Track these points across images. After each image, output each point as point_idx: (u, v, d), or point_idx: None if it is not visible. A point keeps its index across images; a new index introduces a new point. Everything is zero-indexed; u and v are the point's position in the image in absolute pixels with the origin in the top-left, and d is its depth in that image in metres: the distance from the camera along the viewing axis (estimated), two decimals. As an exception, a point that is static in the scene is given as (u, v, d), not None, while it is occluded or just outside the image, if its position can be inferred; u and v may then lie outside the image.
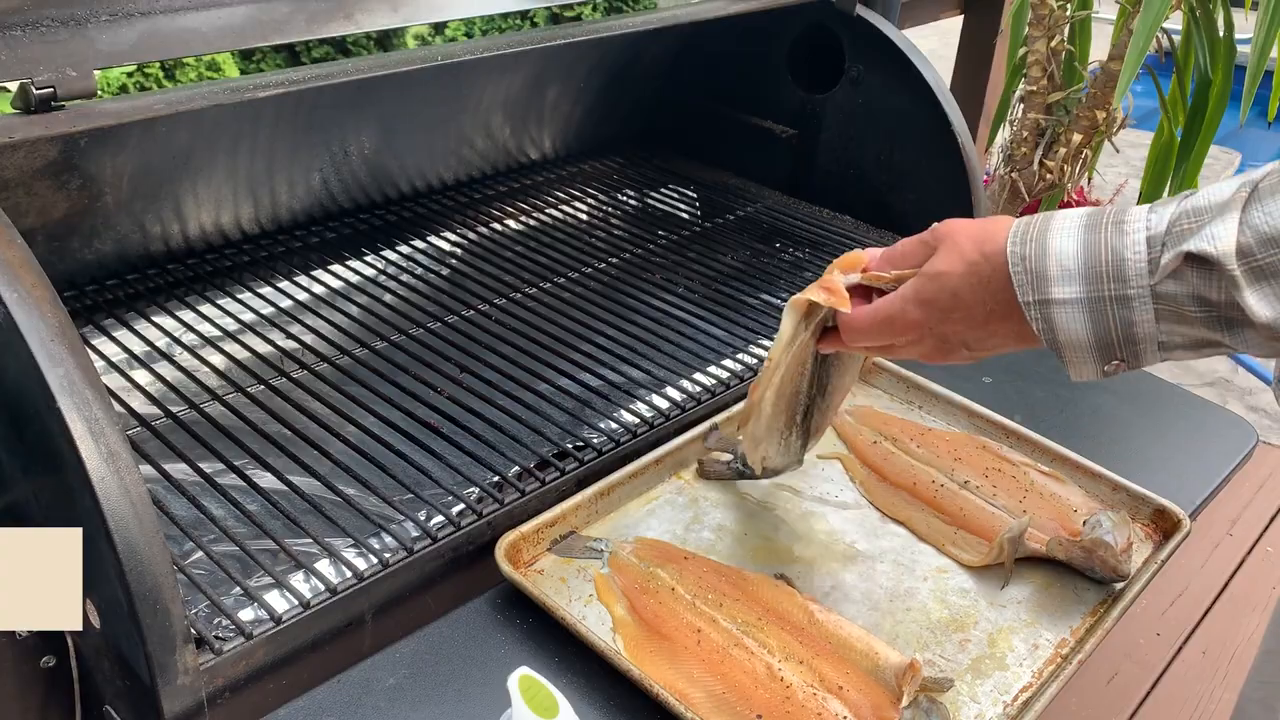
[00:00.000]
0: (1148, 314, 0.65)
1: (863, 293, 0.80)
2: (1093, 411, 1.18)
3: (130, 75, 2.02)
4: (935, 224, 0.76)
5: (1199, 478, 1.09)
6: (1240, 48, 2.27)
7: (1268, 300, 0.61)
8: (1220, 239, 0.62)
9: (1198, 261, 0.63)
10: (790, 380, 0.87)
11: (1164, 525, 0.98)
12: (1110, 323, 0.66)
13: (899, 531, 0.97)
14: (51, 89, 0.83)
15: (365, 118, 1.33)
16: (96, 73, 0.85)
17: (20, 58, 0.83)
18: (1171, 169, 2.42)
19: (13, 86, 0.84)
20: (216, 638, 0.75)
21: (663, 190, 1.65)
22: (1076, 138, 2.42)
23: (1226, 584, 1.51)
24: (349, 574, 0.83)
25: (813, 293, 0.80)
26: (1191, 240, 0.63)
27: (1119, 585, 0.91)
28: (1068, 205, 2.72)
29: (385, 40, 2.02)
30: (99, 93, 0.86)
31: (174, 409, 1.02)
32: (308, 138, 1.29)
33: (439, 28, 2.02)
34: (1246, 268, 0.61)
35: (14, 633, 0.75)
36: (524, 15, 2.11)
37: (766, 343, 1.22)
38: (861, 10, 1.44)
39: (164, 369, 1.09)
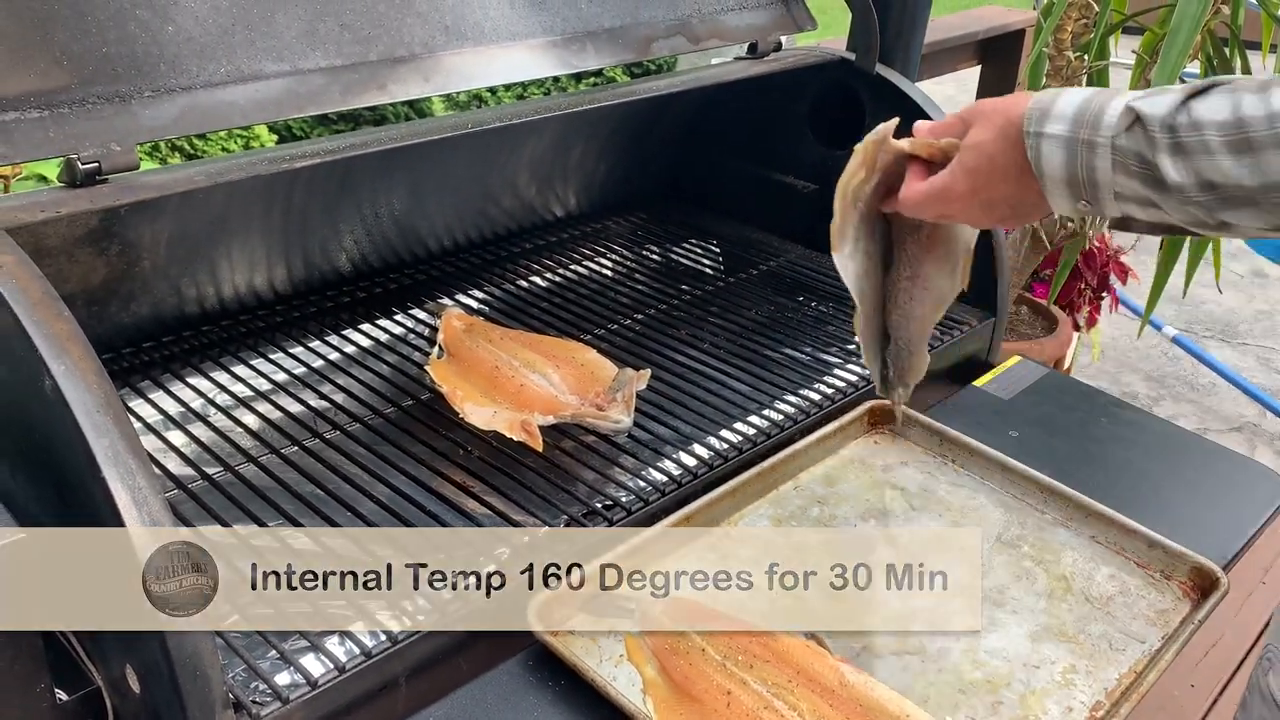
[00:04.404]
0: (1106, 162, 0.77)
1: (912, 163, 0.91)
2: (1121, 465, 1.18)
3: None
4: (968, 105, 0.89)
5: (1230, 531, 1.09)
6: (1258, 93, 2.28)
7: (1179, 169, 0.74)
8: (1158, 105, 0.74)
9: (1137, 119, 0.75)
10: (865, 262, 0.97)
11: (1201, 583, 0.98)
12: (1079, 162, 0.78)
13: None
14: (96, 164, 0.86)
15: (396, 181, 1.36)
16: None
17: (67, 134, 0.86)
18: (1193, 215, 2.41)
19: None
20: (254, 702, 0.76)
21: (686, 245, 1.67)
22: (1096, 186, 2.42)
23: (1260, 634, 1.49)
24: (383, 637, 0.83)
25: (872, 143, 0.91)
26: (1140, 100, 0.75)
27: (1147, 644, 0.90)
28: (1090, 254, 2.72)
29: (415, 101, 2.06)
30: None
31: (209, 470, 1.03)
32: (340, 201, 1.32)
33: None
34: (1170, 140, 0.74)
35: (56, 697, 0.76)
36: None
37: (792, 398, 1.23)
38: (881, 69, 1.46)
39: (199, 430, 1.11)
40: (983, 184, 0.85)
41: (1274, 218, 0.74)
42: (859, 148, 0.93)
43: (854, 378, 1.27)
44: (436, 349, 1.22)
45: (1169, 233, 0.84)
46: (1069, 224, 2.47)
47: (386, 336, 1.33)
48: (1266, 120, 0.71)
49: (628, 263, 1.59)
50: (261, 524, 0.96)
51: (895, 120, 0.92)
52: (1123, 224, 0.85)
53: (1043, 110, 0.80)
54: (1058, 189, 0.80)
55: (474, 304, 1.43)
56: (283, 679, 0.79)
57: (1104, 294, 2.88)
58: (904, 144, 0.91)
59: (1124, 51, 2.85)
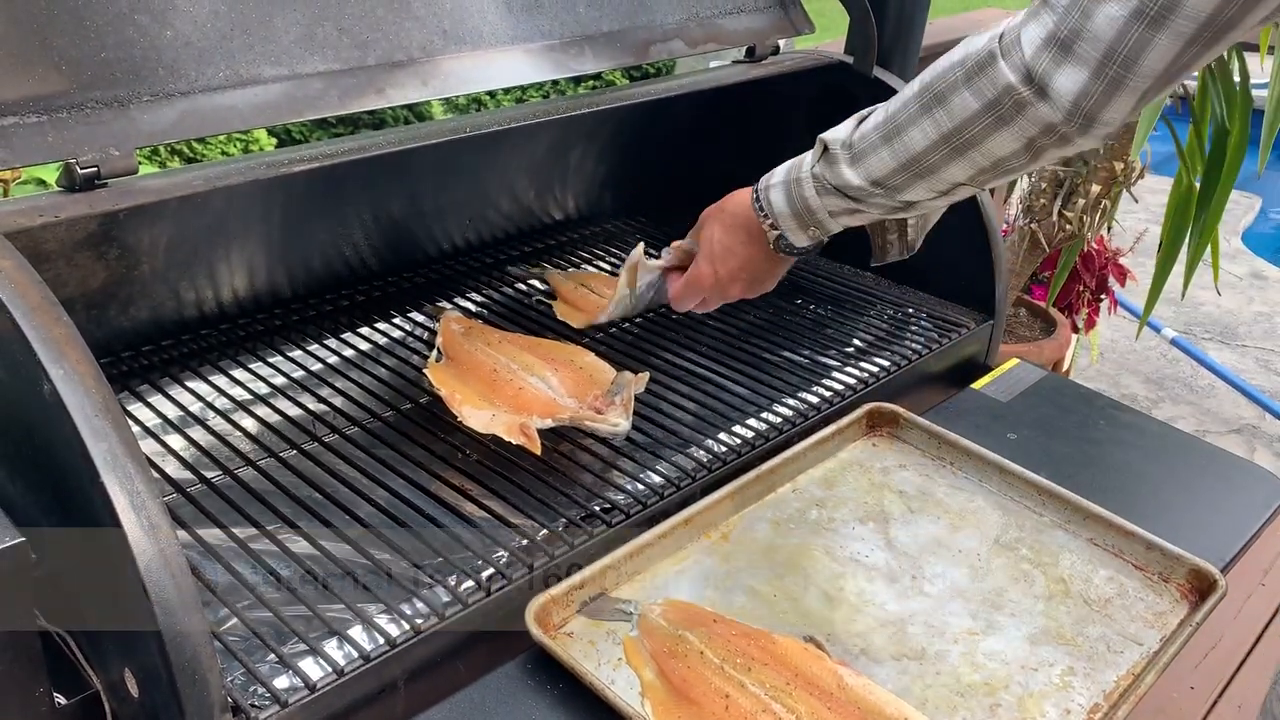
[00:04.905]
0: (811, 190, 1.01)
1: (670, 274, 1.22)
2: (1119, 467, 1.18)
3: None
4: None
5: (1229, 533, 1.09)
6: (1257, 92, 2.28)
7: (856, 173, 0.96)
8: (839, 131, 0.98)
9: (825, 148, 0.99)
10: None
11: (1200, 585, 0.98)
12: (794, 197, 1.03)
13: (930, 592, 0.97)
14: (95, 168, 0.86)
15: (394, 185, 1.37)
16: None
17: (66, 139, 0.86)
18: (1191, 218, 2.42)
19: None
20: (253, 706, 0.76)
21: (685, 248, 1.67)
22: (1095, 188, 2.43)
23: (1260, 636, 1.49)
24: (381, 640, 0.83)
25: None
26: (826, 133, 0.99)
27: (1145, 646, 0.90)
28: (1088, 255, 2.73)
29: (414, 105, 2.06)
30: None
31: (207, 474, 1.04)
32: (338, 205, 1.32)
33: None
34: (848, 154, 0.96)
35: (55, 701, 0.76)
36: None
37: (790, 401, 1.23)
38: (879, 72, 1.46)
39: (197, 434, 1.11)
40: (720, 261, 1.11)
41: (934, 184, 0.93)
42: (623, 270, 1.23)
43: (852, 380, 1.27)
44: (435, 352, 1.22)
45: (904, 228, 1.11)
46: (1067, 226, 2.48)
47: (385, 340, 1.33)
48: (902, 107, 0.92)
49: (626, 266, 1.59)
50: (260, 527, 0.96)
51: (641, 245, 1.22)
52: (878, 250, 1.14)
53: (766, 178, 1.06)
54: (787, 223, 1.04)
55: (472, 307, 1.43)
56: (281, 682, 0.79)
57: (1102, 296, 2.89)
58: (659, 261, 1.22)
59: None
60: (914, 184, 0.94)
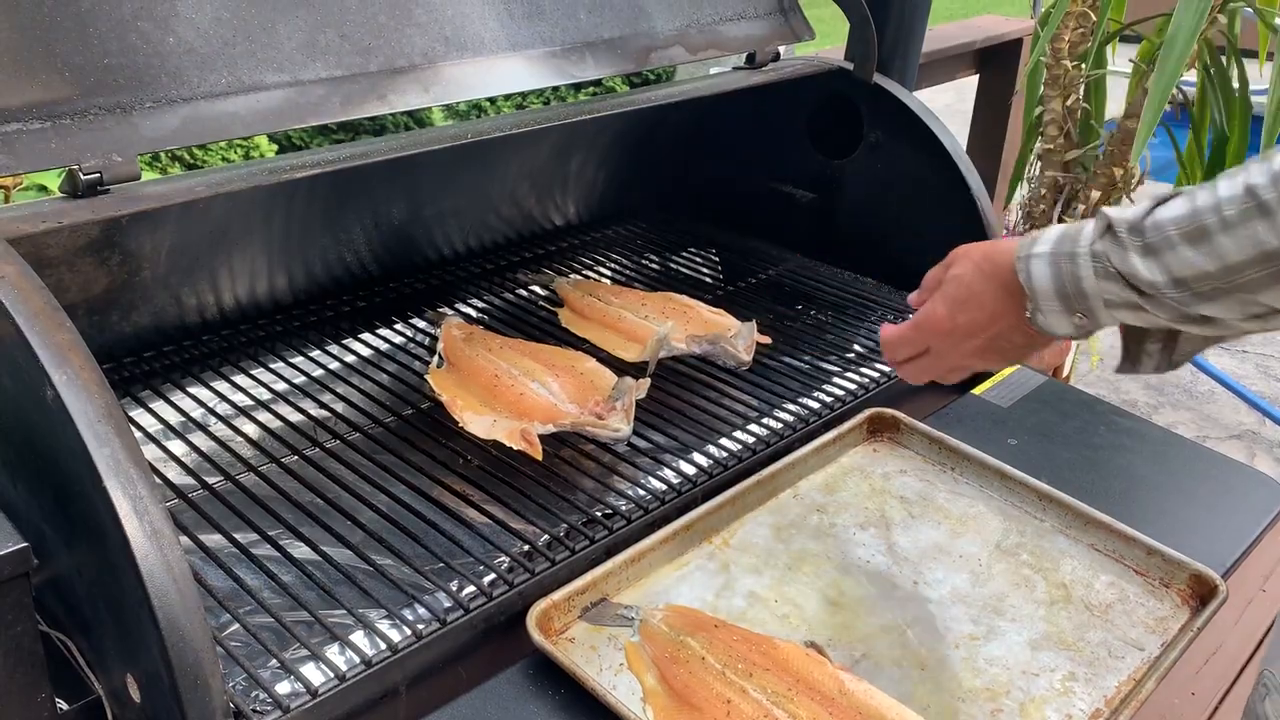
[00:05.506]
0: (1088, 270, 0.82)
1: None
2: (1120, 472, 1.18)
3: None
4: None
5: (1230, 538, 1.09)
6: (1256, 99, 2.29)
7: (1149, 268, 0.78)
8: (1127, 212, 0.80)
9: (1109, 226, 0.81)
10: None
11: (1200, 590, 0.98)
12: (1064, 274, 0.83)
13: (931, 597, 0.97)
14: (98, 174, 0.86)
15: (395, 191, 1.37)
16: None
17: (69, 145, 0.86)
18: (1191, 224, 2.42)
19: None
20: (255, 711, 0.76)
21: (685, 254, 1.67)
22: (1095, 194, 2.43)
23: (1261, 642, 1.49)
24: (383, 645, 0.83)
25: None
26: (1111, 209, 0.81)
27: (1146, 651, 0.90)
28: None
29: (415, 111, 2.07)
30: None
31: (209, 479, 1.04)
32: (339, 211, 1.33)
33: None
34: (1139, 242, 0.79)
35: (57, 707, 0.76)
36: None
37: (791, 406, 1.23)
38: (879, 78, 1.47)
39: (199, 439, 1.11)
40: (961, 307, 0.91)
41: (1246, 305, 0.77)
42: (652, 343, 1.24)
43: (853, 386, 1.28)
44: (436, 358, 1.23)
45: (1172, 342, 0.88)
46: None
47: (386, 345, 1.33)
48: (1214, 209, 0.75)
49: (627, 271, 1.59)
50: (261, 533, 0.96)
51: (671, 323, 1.28)
52: (1131, 358, 0.91)
53: (1030, 240, 0.86)
54: (1050, 303, 0.84)
55: (473, 313, 1.43)
56: (283, 688, 0.79)
57: (1103, 302, 2.88)
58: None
59: (1121, 60, 2.86)
60: (1219, 298, 0.76)
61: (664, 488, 1.07)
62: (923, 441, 1.17)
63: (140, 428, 1.11)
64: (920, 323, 0.94)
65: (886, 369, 1.32)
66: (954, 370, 0.96)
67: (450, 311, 1.41)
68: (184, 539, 0.94)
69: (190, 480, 1.04)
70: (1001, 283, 0.88)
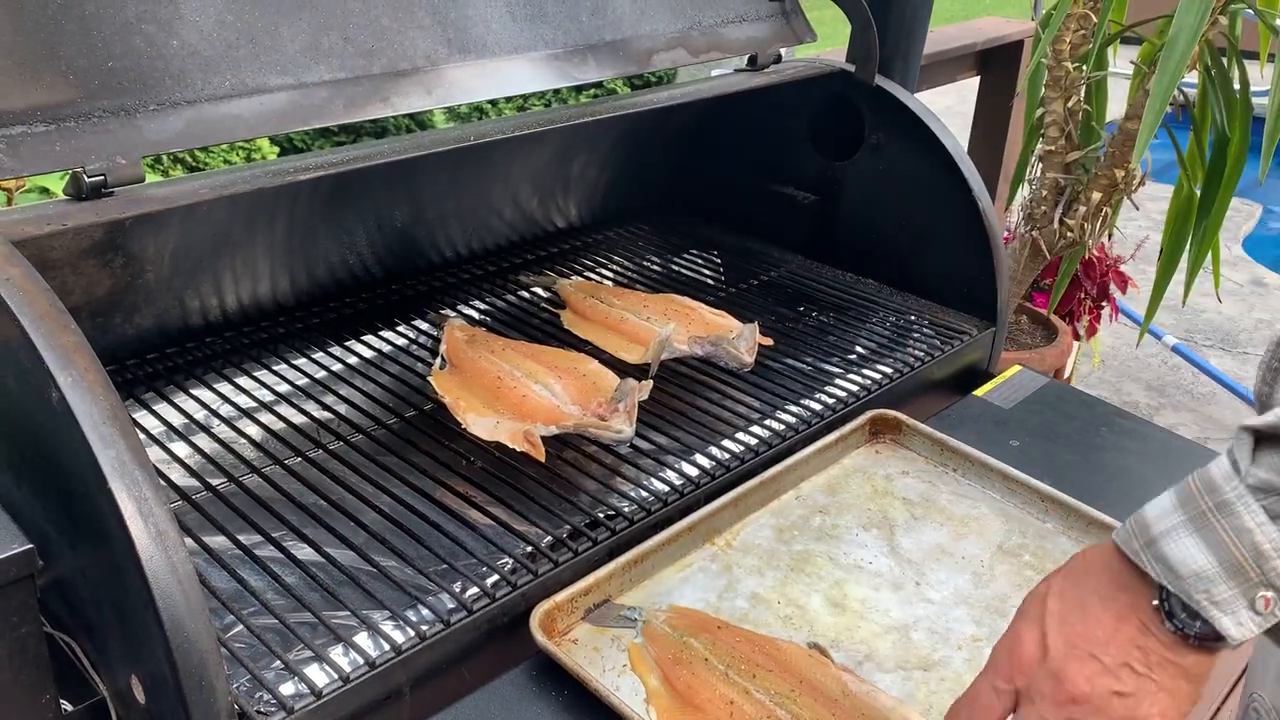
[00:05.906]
0: (1258, 515, 0.58)
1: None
2: (1121, 474, 1.18)
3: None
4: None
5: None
6: (1257, 100, 2.29)
7: None
8: (1269, 416, 0.58)
9: (1259, 437, 0.58)
10: None
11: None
12: (1224, 536, 0.58)
13: (933, 599, 0.97)
14: (102, 176, 0.87)
15: (398, 193, 1.37)
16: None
17: (73, 147, 0.86)
18: (1192, 225, 2.43)
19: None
20: (259, 713, 0.76)
21: (687, 256, 1.67)
22: (1096, 196, 2.43)
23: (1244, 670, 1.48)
24: (387, 647, 0.84)
25: None
26: (1252, 419, 0.58)
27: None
28: (1089, 263, 2.73)
29: (417, 113, 2.07)
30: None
31: (212, 481, 1.04)
32: (342, 213, 1.33)
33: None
34: None
35: (61, 708, 0.76)
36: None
37: (793, 408, 1.23)
38: (880, 80, 1.47)
39: (202, 441, 1.11)
40: (1057, 624, 0.66)
41: None
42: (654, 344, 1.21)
43: (855, 387, 1.28)
44: (439, 360, 1.23)
45: None
46: (1068, 233, 2.48)
47: (389, 347, 1.34)
48: None
49: (629, 273, 1.60)
50: (265, 534, 0.96)
51: (673, 325, 1.27)
52: None
53: (1138, 526, 0.63)
54: (1217, 588, 0.59)
55: (476, 315, 1.43)
56: (287, 689, 0.79)
57: (1104, 303, 2.89)
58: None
59: (1122, 62, 2.86)
60: None
61: (666, 489, 1.07)
62: (925, 443, 1.17)
63: (144, 430, 1.11)
64: (1002, 666, 0.70)
65: (889, 371, 1.32)
66: None
67: (453, 313, 1.41)
68: (188, 540, 0.94)
69: (194, 482, 1.04)
70: (1113, 578, 0.65)
